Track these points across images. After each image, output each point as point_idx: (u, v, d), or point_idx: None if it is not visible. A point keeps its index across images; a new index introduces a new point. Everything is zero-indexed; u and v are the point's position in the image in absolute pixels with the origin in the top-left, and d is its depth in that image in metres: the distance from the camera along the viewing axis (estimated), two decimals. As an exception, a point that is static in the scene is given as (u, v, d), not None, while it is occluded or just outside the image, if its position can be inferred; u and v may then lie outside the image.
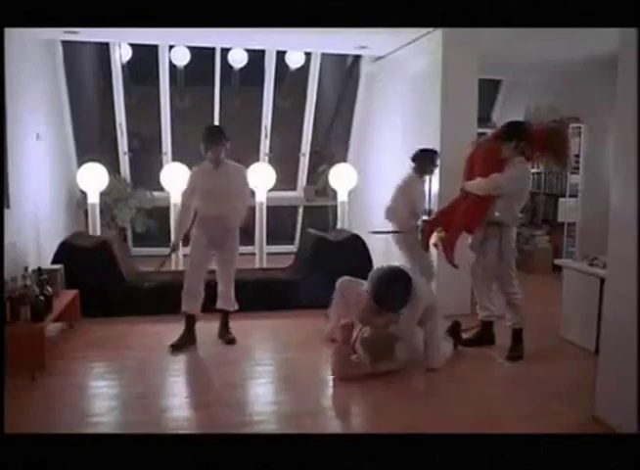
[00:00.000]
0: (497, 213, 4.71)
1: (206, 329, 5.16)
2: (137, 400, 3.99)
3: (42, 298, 4.55)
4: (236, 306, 5.21)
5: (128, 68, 7.62)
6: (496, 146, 4.75)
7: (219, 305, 5.17)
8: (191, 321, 5.07)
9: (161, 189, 7.27)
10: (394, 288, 4.35)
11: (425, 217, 5.49)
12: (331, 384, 4.29)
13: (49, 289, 4.71)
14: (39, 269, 4.83)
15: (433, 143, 5.86)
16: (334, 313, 5.06)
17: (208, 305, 5.12)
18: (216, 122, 7.81)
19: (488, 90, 8.77)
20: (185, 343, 4.99)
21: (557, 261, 5.73)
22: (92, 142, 7.85)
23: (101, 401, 4.02)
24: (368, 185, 7.54)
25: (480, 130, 6.78)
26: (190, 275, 5.03)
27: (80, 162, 7.12)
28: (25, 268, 4.62)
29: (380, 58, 7.35)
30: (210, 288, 5.12)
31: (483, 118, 7.87)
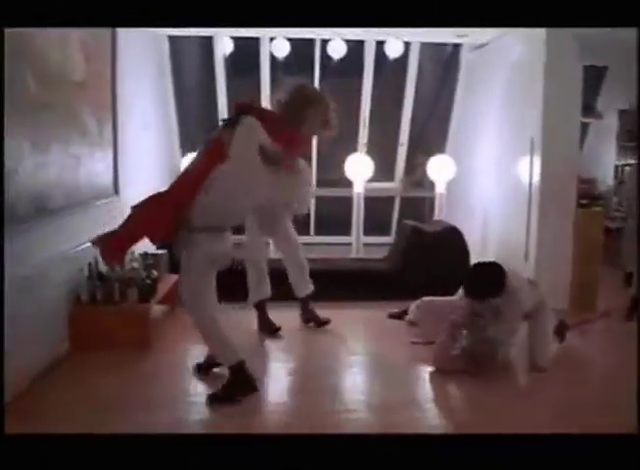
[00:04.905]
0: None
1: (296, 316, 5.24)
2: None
3: (148, 281, 4.77)
4: (311, 288, 5.17)
5: (230, 60, 7.80)
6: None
7: (299, 293, 5.15)
8: (261, 308, 5.08)
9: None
10: (480, 274, 4.32)
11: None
12: (427, 376, 4.27)
13: (154, 272, 4.92)
14: (145, 254, 5.05)
15: (534, 132, 5.71)
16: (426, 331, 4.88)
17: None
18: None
19: (594, 77, 8.40)
20: (264, 329, 5.02)
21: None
22: (195, 133, 8.06)
23: (201, 382, 4.14)
24: (467, 176, 7.41)
25: (585, 120, 6.54)
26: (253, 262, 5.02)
27: (184, 151, 7.36)
28: (132, 252, 4.85)
29: (480, 46, 7.20)
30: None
31: (588, 107, 7.55)
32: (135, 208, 3.68)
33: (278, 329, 5.04)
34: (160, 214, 3.59)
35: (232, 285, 5.42)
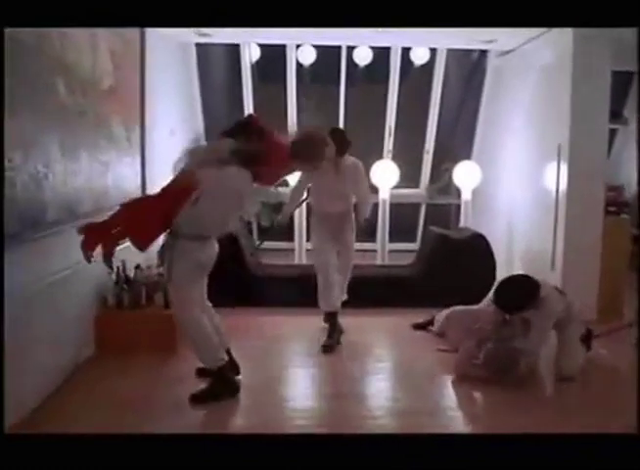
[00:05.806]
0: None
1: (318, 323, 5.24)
2: (259, 389, 4.11)
3: (174, 286, 4.80)
4: (345, 297, 5.23)
5: (257, 67, 7.85)
6: None
7: None
8: (333, 319, 5.05)
9: (286, 184, 7.44)
10: (514, 288, 4.28)
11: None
12: (451, 384, 4.25)
13: (180, 278, 4.95)
14: (171, 259, 5.08)
15: (561, 138, 5.66)
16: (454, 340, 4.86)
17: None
18: (341, 119, 7.87)
19: (622, 83, 8.29)
20: (335, 342, 4.95)
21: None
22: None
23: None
24: (493, 183, 7.37)
25: (612, 126, 6.46)
26: (321, 271, 5.02)
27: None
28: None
29: (507, 52, 7.16)
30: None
31: (615, 113, 7.45)
32: (125, 207, 3.70)
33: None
34: (148, 221, 3.63)
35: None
